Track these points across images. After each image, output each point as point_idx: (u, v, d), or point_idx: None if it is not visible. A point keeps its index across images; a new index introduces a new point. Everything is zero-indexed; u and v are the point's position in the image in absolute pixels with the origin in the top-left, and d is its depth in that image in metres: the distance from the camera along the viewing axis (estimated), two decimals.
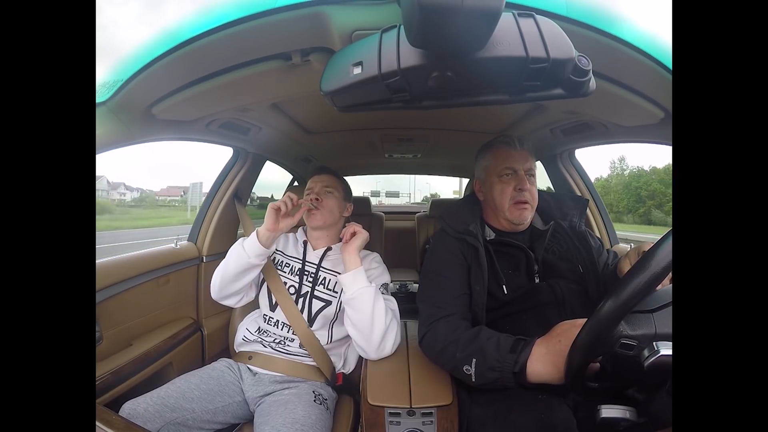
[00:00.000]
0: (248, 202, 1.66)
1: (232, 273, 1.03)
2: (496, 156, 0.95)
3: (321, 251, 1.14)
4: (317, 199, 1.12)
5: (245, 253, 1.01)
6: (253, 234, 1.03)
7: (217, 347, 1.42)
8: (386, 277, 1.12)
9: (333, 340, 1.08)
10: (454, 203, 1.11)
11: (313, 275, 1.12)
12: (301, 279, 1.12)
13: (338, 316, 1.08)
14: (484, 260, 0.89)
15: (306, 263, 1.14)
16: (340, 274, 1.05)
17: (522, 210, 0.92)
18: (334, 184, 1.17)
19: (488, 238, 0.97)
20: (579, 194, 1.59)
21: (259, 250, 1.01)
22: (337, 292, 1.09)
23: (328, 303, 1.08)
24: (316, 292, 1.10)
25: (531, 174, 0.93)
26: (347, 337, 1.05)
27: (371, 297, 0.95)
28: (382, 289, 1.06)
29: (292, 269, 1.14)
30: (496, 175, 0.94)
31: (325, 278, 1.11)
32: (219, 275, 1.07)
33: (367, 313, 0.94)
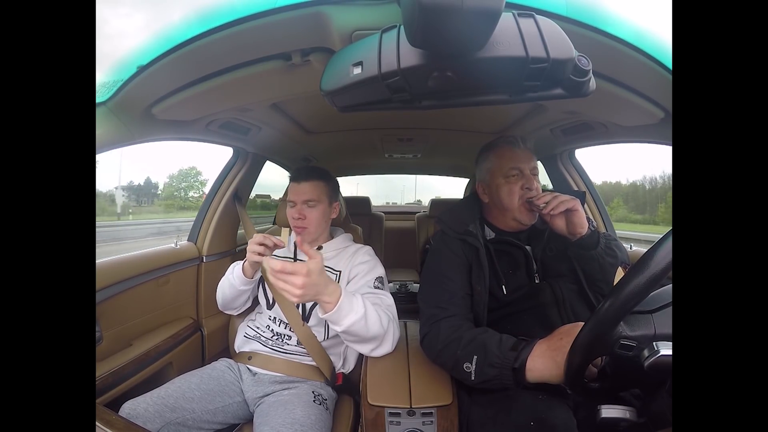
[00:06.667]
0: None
1: (229, 297, 1.16)
2: (500, 156, 0.95)
3: (312, 239, 1.15)
4: (302, 219, 1.09)
5: (235, 283, 1.11)
6: (239, 267, 1.10)
7: (217, 347, 1.42)
8: (379, 270, 1.11)
9: (330, 336, 1.07)
10: (452, 204, 1.10)
11: None
12: None
13: None
14: (485, 260, 0.89)
15: (298, 261, 1.14)
16: (332, 269, 1.09)
17: (531, 210, 0.92)
18: (316, 194, 1.10)
19: (488, 238, 0.97)
20: (576, 189, 1.60)
21: (246, 281, 1.10)
22: None
23: None
24: None
25: (535, 173, 0.93)
26: None
27: (364, 323, 0.85)
28: (377, 283, 1.06)
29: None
30: (502, 176, 0.93)
31: None
32: (220, 296, 1.20)
33: (361, 335, 0.87)
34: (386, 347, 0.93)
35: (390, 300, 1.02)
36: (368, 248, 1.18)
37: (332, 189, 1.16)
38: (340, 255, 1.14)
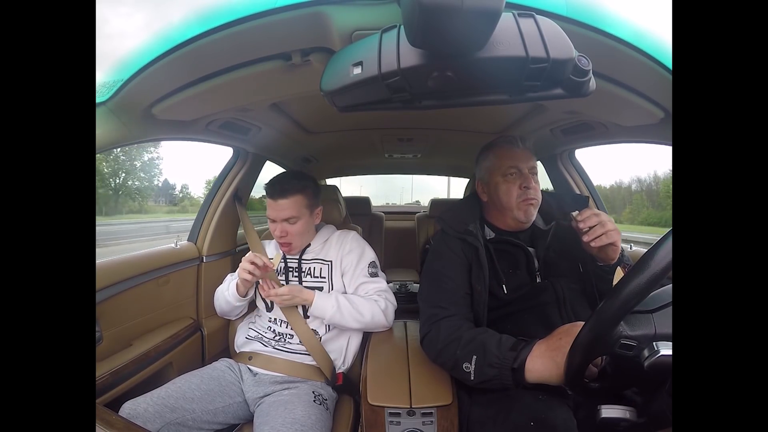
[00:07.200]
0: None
1: (226, 309, 1.22)
2: (499, 155, 0.95)
3: (299, 249, 1.17)
4: (284, 236, 1.08)
5: (230, 300, 1.16)
6: (234, 285, 1.14)
7: (217, 347, 1.42)
8: (368, 254, 1.15)
9: (331, 328, 1.10)
10: (453, 204, 1.11)
11: (297, 270, 1.14)
12: (287, 276, 1.15)
13: None
14: (485, 260, 0.89)
15: (288, 260, 1.16)
16: (323, 260, 1.14)
17: (528, 207, 0.92)
18: (295, 210, 1.06)
19: (488, 238, 0.97)
20: (578, 191, 1.60)
21: (240, 298, 1.15)
22: (325, 277, 1.12)
23: (319, 290, 1.11)
24: (304, 284, 1.13)
25: (534, 172, 0.93)
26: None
27: (340, 317, 1.04)
28: (371, 269, 1.11)
29: (277, 270, 1.16)
30: (500, 175, 0.93)
31: (310, 268, 1.14)
32: (217, 305, 1.26)
33: (343, 324, 1.05)
34: (376, 327, 1.09)
35: (384, 284, 1.13)
36: (353, 233, 1.20)
37: (312, 197, 1.11)
38: (327, 245, 1.17)
